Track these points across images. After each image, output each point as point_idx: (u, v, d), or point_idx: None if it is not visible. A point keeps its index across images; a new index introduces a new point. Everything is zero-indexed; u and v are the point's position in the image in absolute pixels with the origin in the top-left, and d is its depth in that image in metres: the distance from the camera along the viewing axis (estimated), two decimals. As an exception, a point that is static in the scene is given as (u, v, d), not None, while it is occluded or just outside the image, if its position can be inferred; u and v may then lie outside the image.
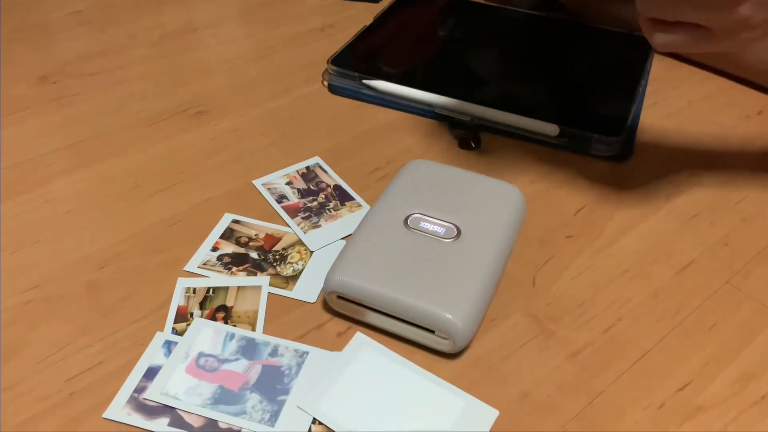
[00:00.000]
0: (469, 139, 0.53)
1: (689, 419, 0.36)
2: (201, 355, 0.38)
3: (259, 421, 0.35)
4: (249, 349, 0.38)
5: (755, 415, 0.36)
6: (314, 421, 0.35)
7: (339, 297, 0.39)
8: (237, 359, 0.38)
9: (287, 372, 0.37)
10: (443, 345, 0.37)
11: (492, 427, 0.35)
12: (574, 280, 0.43)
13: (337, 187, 0.49)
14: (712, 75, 0.60)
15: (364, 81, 0.56)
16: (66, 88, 0.58)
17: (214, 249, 0.44)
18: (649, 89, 0.59)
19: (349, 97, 0.57)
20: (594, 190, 0.49)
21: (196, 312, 0.40)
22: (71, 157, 0.51)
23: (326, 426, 0.35)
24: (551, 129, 0.52)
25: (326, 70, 0.59)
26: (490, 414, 0.36)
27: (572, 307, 0.41)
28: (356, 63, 0.58)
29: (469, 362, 0.38)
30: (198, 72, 0.60)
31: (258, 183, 0.49)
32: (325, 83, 0.58)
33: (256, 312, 0.40)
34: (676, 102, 0.57)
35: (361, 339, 0.39)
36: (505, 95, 0.55)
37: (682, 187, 0.49)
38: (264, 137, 0.53)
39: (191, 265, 0.43)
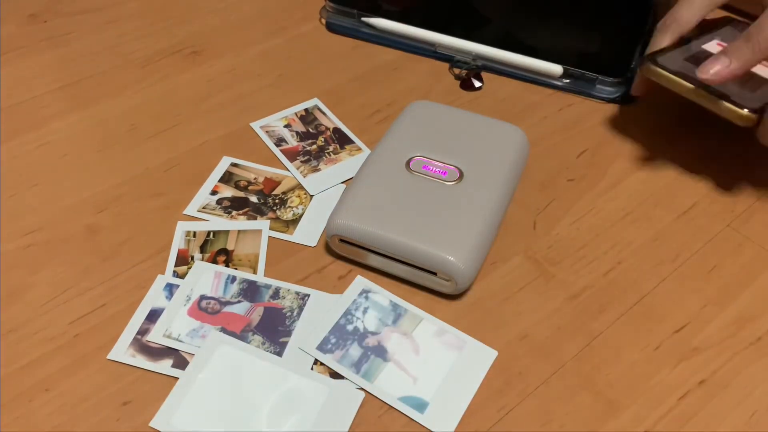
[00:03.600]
0: (471, 79, 0.52)
1: (685, 360, 0.37)
2: (203, 297, 0.38)
3: (262, 362, 0.35)
4: (250, 292, 0.39)
5: (750, 356, 0.37)
6: (316, 362, 0.36)
7: (341, 240, 0.39)
8: (239, 302, 0.38)
9: (289, 314, 0.38)
10: (445, 287, 0.38)
11: (491, 367, 0.36)
12: (575, 224, 0.43)
13: (336, 130, 0.48)
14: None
15: (364, 19, 0.55)
16: (57, 27, 0.56)
17: (213, 193, 0.44)
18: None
19: (347, 36, 0.56)
20: (597, 132, 0.49)
21: (197, 255, 0.40)
22: (66, 98, 0.50)
23: (328, 367, 0.36)
24: (555, 69, 0.51)
25: (324, 7, 0.57)
26: (490, 354, 0.36)
27: (572, 250, 0.41)
28: (355, 0, 0.56)
29: (469, 304, 0.39)
30: (191, 10, 0.58)
31: (256, 126, 0.48)
32: (323, 21, 0.57)
33: (256, 255, 0.40)
34: (683, 42, 0.56)
35: (361, 282, 0.39)
36: (508, 34, 0.54)
37: (685, 131, 0.49)
38: (261, 78, 0.52)
39: (191, 209, 0.43)
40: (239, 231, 0.42)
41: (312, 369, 0.36)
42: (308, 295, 0.38)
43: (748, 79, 0.44)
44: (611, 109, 0.50)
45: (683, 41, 0.47)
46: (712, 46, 0.47)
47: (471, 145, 0.42)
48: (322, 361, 0.36)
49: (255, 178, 0.45)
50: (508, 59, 0.52)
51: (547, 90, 0.52)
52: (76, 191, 0.44)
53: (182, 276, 0.39)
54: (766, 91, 0.44)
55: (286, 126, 0.48)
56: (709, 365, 0.36)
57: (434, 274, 0.37)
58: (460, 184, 0.40)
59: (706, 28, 0.49)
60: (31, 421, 0.34)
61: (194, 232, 0.41)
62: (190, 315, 0.37)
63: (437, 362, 0.36)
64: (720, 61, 0.41)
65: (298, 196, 0.44)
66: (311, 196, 0.44)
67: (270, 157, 0.46)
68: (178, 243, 0.41)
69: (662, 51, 0.46)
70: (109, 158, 0.46)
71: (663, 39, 0.46)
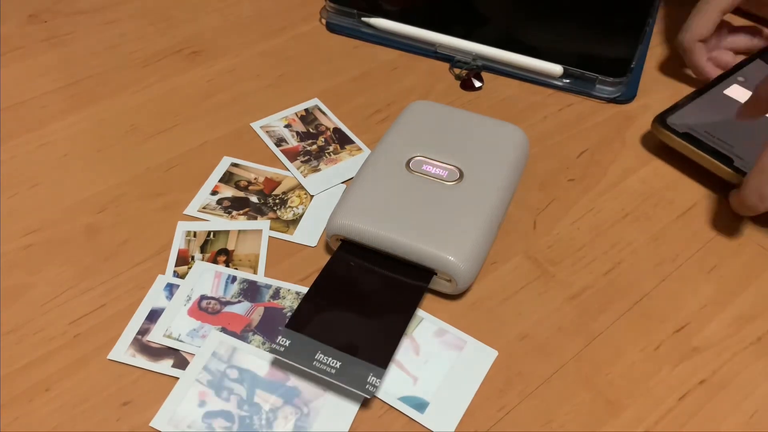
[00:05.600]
0: (471, 79, 0.52)
1: (685, 360, 0.37)
2: (203, 297, 0.38)
3: (262, 362, 0.35)
4: (251, 292, 0.39)
5: (750, 356, 0.37)
6: (316, 362, 0.36)
7: (342, 240, 0.39)
8: (239, 302, 0.38)
9: (289, 314, 0.38)
10: (445, 287, 0.38)
11: (491, 367, 0.36)
12: (575, 224, 0.43)
13: (336, 130, 0.48)
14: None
15: (364, 19, 0.55)
16: (57, 27, 0.56)
17: (214, 193, 0.44)
18: (656, 29, 0.57)
19: (348, 36, 0.56)
20: (597, 132, 0.49)
21: (197, 255, 0.40)
22: (66, 98, 0.50)
23: (328, 367, 0.36)
24: (555, 69, 0.51)
25: (324, 7, 0.57)
26: (490, 354, 0.36)
27: (572, 250, 0.41)
28: (355, 0, 0.56)
29: (470, 304, 0.39)
30: (191, 10, 0.58)
31: (256, 126, 0.48)
32: (323, 21, 0.57)
33: (257, 255, 0.40)
34: (683, 42, 0.56)
35: (362, 282, 0.39)
36: (508, 34, 0.54)
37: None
38: (261, 78, 0.52)
39: (191, 209, 0.43)
40: (239, 231, 0.42)
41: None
42: (308, 295, 0.38)
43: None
44: (611, 109, 0.50)
45: (704, 89, 0.48)
46: (735, 89, 0.48)
47: (471, 145, 0.42)
48: (323, 361, 0.36)
49: (255, 178, 0.45)
50: (509, 59, 0.52)
51: (547, 90, 0.52)
52: (76, 191, 0.44)
53: (182, 276, 0.39)
54: None
55: (286, 126, 0.48)
56: (709, 365, 0.36)
57: (434, 273, 0.37)
58: (460, 184, 0.40)
59: (733, 68, 0.50)
60: (31, 421, 0.34)
61: (194, 232, 0.41)
62: (190, 315, 0.37)
63: (437, 362, 0.36)
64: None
65: (299, 196, 0.44)
66: (311, 196, 0.44)
67: (270, 157, 0.46)
68: (178, 243, 0.41)
69: (676, 107, 0.46)
70: (109, 158, 0.46)
71: (704, 19, 0.47)
